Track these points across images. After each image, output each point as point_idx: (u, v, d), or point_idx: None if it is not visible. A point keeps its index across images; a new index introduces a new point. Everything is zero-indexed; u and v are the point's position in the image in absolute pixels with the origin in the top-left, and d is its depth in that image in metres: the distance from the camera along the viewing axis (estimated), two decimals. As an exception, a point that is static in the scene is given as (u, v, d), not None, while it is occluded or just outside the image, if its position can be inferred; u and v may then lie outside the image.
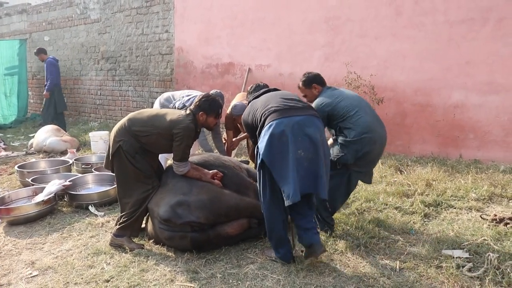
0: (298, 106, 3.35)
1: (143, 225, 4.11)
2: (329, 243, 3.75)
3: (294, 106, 3.32)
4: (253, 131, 3.52)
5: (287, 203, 3.12)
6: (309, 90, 4.06)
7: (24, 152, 8.29)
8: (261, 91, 3.84)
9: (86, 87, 12.37)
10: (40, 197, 4.79)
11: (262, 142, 3.19)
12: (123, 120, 3.86)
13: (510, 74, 5.76)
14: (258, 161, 3.26)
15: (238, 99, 5.87)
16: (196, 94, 5.62)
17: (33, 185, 5.40)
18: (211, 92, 5.78)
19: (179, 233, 3.63)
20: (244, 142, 6.63)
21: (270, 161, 3.15)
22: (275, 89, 3.84)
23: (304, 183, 3.14)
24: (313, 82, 4.02)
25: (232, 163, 4.46)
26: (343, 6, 7.10)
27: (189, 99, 5.47)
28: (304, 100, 3.83)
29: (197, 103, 3.81)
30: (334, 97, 3.80)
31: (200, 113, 3.78)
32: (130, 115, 3.91)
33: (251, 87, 4.21)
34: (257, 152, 3.30)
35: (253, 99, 3.76)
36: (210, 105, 3.83)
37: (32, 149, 8.34)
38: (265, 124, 3.25)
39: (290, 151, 3.11)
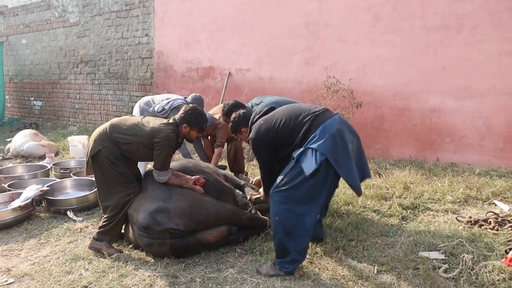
0: (325, 109, 3.42)
1: (122, 231, 4.08)
2: (308, 246, 3.78)
3: (324, 110, 3.38)
4: (272, 149, 3.41)
5: (359, 194, 3.28)
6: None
7: (1, 157, 8.15)
8: (266, 109, 3.66)
9: (65, 91, 12.22)
10: (17, 203, 4.71)
11: (322, 145, 3.11)
12: (106, 125, 3.84)
13: (484, 79, 5.89)
14: (315, 164, 3.09)
15: (214, 110, 5.88)
16: (176, 97, 5.58)
17: (9, 190, 5.32)
18: (190, 96, 5.76)
19: (158, 240, 3.61)
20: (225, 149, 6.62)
21: (336, 159, 3.11)
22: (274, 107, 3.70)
23: (359, 173, 3.28)
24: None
25: (210, 169, 4.47)
26: (322, 11, 7.18)
27: (168, 102, 5.45)
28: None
29: (183, 114, 3.80)
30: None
31: (184, 125, 3.77)
32: (113, 121, 3.88)
33: (229, 105, 4.31)
34: (311, 154, 3.14)
35: (259, 117, 3.57)
36: (196, 118, 3.82)
37: (9, 154, 8.21)
38: (312, 128, 3.21)
39: (348, 146, 3.19)
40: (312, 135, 3.18)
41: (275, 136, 3.36)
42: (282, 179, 3.24)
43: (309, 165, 3.11)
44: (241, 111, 3.95)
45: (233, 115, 3.94)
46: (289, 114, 3.39)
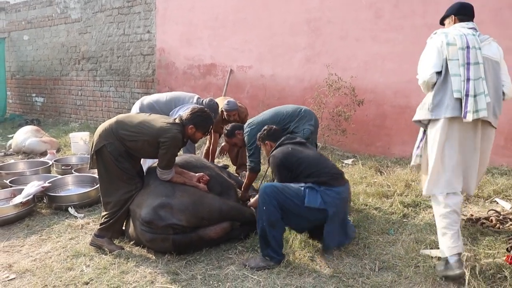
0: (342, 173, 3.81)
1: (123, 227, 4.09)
2: (309, 244, 3.78)
3: (342, 173, 3.79)
4: (287, 172, 3.65)
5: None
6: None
7: (3, 153, 8.16)
8: (299, 140, 3.97)
9: (67, 88, 12.21)
10: (19, 199, 4.72)
11: (331, 202, 3.46)
12: (111, 121, 3.84)
13: (487, 77, 5.86)
14: (318, 204, 3.43)
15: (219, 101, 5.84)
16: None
17: (11, 186, 5.33)
18: (207, 99, 5.51)
19: (161, 236, 3.61)
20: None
21: (332, 218, 3.49)
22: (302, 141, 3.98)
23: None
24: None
25: (213, 165, 4.48)
26: (323, 8, 7.16)
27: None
28: None
29: (190, 115, 3.80)
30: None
31: (190, 126, 3.77)
32: (119, 117, 3.89)
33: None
34: (319, 196, 3.47)
35: (289, 142, 3.85)
36: (203, 121, 3.83)
37: (11, 150, 8.22)
38: (327, 183, 3.52)
39: (340, 214, 3.59)
40: (327, 187, 3.52)
41: (294, 166, 3.63)
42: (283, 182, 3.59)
43: (313, 199, 3.43)
44: (274, 126, 4.15)
45: (266, 127, 4.12)
46: (314, 158, 3.70)
